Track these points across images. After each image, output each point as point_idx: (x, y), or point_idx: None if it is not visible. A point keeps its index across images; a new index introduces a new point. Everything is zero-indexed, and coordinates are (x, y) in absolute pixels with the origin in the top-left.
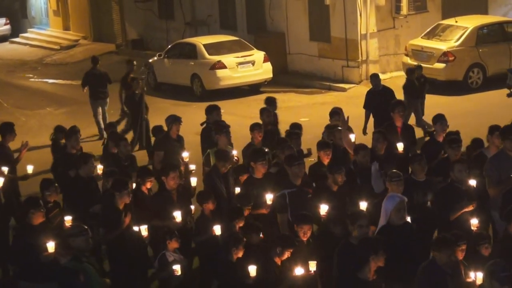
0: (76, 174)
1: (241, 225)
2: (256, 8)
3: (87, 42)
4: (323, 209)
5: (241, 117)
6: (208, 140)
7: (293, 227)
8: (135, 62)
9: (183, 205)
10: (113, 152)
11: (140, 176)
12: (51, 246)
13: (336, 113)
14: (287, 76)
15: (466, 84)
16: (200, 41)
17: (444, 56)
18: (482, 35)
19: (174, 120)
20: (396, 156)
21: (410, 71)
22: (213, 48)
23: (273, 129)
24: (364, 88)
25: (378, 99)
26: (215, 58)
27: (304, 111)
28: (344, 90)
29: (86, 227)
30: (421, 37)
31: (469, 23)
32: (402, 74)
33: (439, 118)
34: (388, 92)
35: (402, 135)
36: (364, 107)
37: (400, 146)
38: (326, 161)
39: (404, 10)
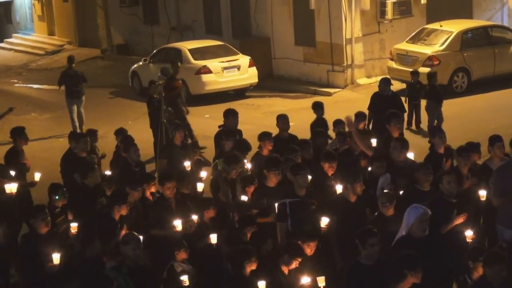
0: (83, 182)
1: (252, 231)
2: (241, 12)
3: (72, 47)
4: (324, 221)
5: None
6: (219, 144)
7: (292, 238)
8: (179, 64)
9: (183, 213)
10: (123, 157)
11: (144, 181)
12: (56, 257)
13: (340, 122)
14: (273, 81)
15: (451, 88)
16: (185, 46)
17: (429, 60)
18: (466, 39)
19: (177, 127)
20: (411, 169)
21: (431, 76)
22: (198, 53)
23: (290, 136)
24: (349, 93)
25: (384, 104)
26: (201, 63)
27: (290, 116)
28: (329, 94)
29: (139, 236)
30: (406, 42)
31: (453, 27)
32: None
33: (437, 131)
34: (397, 100)
35: None
36: (369, 109)
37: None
38: (330, 173)
39: (389, 14)
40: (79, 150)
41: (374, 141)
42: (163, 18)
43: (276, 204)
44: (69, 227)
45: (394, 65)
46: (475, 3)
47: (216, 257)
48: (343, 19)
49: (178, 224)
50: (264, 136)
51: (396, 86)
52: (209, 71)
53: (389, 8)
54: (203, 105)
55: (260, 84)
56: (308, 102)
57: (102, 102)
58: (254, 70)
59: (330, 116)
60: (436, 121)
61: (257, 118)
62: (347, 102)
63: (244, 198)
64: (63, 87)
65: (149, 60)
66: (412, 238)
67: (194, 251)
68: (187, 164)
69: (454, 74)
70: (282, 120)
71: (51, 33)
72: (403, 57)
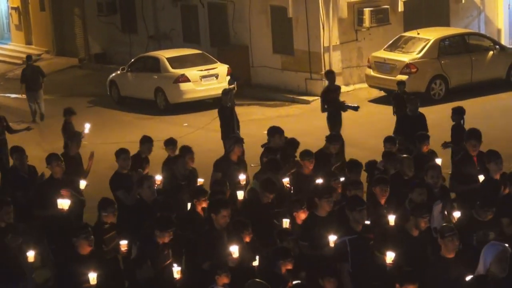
0: (139, 197)
1: (288, 267)
2: (219, 21)
3: (50, 56)
4: (390, 256)
5: (205, 130)
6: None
7: (355, 278)
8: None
9: (236, 241)
10: (172, 168)
11: (195, 196)
12: (92, 277)
13: (391, 140)
14: (251, 89)
15: (428, 96)
16: (164, 54)
17: (407, 68)
18: (444, 47)
19: (236, 141)
20: (470, 195)
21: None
22: (176, 62)
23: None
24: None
25: (414, 125)
26: (179, 71)
27: (268, 124)
28: (307, 102)
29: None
30: (384, 49)
31: (431, 35)
32: (365, 86)
33: (494, 156)
34: (424, 119)
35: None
36: (395, 133)
37: (481, 178)
38: (383, 200)
39: (367, 22)
40: (120, 167)
41: (439, 161)
42: (141, 27)
43: (336, 243)
44: (118, 244)
45: (372, 73)
46: (452, 11)
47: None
48: (321, 27)
49: (234, 250)
50: (305, 155)
51: (374, 94)
52: (187, 80)
53: (366, 16)
54: (181, 114)
55: (238, 92)
56: (286, 110)
57: (80, 111)
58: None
59: (308, 124)
60: None
61: None
62: None
63: (285, 220)
64: (24, 85)
65: (127, 69)
66: (491, 279)
67: (233, 275)
68: (243, 177)
69: (432, 82)
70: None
71: (28, 42)
72: (380, 65)
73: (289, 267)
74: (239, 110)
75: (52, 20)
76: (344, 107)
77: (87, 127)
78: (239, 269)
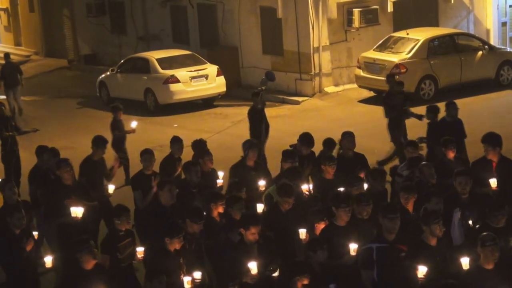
0: (156, 199)
1: (305, 283)
2: (208, 22)
3: (39, 57)
4: (422, 271)
5: (194, 131)
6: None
7: None
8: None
9: (264, 257)
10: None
11: (211, 200)
12: None
13: (412, 144)
14: (241, 90)
15: (418, 96)
16: (153, 55)
17: (396, 68)
18: (433, 47)
19: (251, 146)
20: (482, 200)
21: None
22: (166, 63)
23: (355, 155)
24: (317, 101)
25: (450, 131)
26: (168, 72)
27: None
28: (297, 103)
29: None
30: (373, 50)
31: (420, 35)
32: (355, 86)
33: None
34: (462, 125)
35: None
36: (428, 138)
37: (493, 182)
38: (411, 207)
39: (356, 23)
40: (144, 168)
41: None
42: (130, 28)
43: (361, 249)
44: (135, 251)
45: (361, 73)
46: (441, 11)
47: None
48: (311, 28)
49: (253, 267)
50: (326, 160)
51: (364, 94)
52: (177, 81)
53: (356, 17)
54: (171, 115)
55: (228, 93)
56: (276, 111)
57: (69, 113)
58: (222, 79)
59: (298, 124)
60: None
61: (225, 127)
62: (315, 110)
63: (302, 231)
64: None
65: (116, 70)
66: None
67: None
68: (262, 183)
69: (421, 82)
70: (348, 138)
71: (17, 43)
72: (370, 65)
73: (306, 282)
74: (228, 111)
75: (41, 21)
76: (408, 114)
77: (134, 124)
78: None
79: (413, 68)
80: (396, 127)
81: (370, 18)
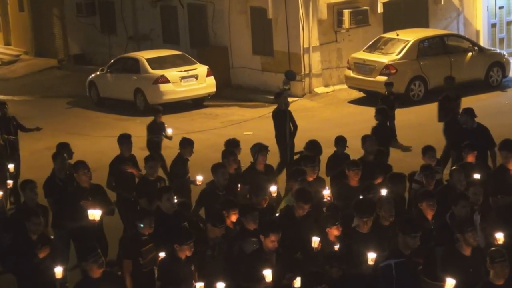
0: (157, 207)
1: None
2: (198, 22)
3: (29, 57)
4: (450, 284)
5: (184, 131)
6: None
7: None
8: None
9: (282, 266)
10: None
11: (223, 208)
12: None
13: (430, 149)
14: (231, 90)
15: (408, 97)
16: (143, 55)
17: (386, 69)
18: (423, 48)
19: (260, 149)
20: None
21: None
22: (156, 63)
23: (376, 160)
24: (307, 102)
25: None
26: (158, 72)
27: (248, 125)
28: None
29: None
30: (363, 51)
31: (410, 36)
32: (344, 87)
33: None
34: (484, 133)
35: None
36: (453, 147)
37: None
38: (430, 215)
39: (346, 23)
40: (149, 175)
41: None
42: (120, 28)
43: (380, 266)
44: (157, 256)
45: (351, 74)
46: (431, 12)
47: None
48: (301, 28)
49: (268, 274)
50: (350, 165)
51: (354, 95)
52: (167, 81)
53: (346, 17)
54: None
55: (218, 93)
56: (266, 111)
57: (59, 112)
58: (212, 80)
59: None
60: None
61: (215, 127)
62: (305, 111)
63: (315, 239)
64: None
65: (106, 69)
66: None
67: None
68: (274, 189)
69: (411, 83)
70: (369, 141)
71: (7, 43)
72: (360, 66)
73: None
74: (218, 111)
75: (31, 20)
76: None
77: (170, 131)
78: None
79: (403, 69)
80: (450, 133)
81: (360, 19)
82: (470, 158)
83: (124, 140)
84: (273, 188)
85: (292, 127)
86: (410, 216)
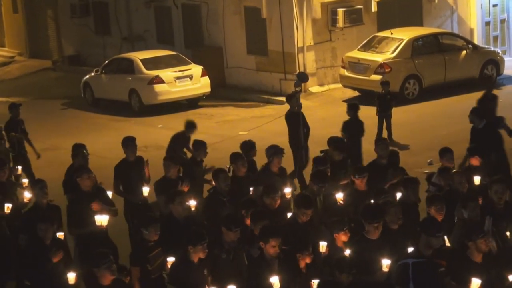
0: (170, 212)
1: None
2: (193, 22)
3: (23, 58)
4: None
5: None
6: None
7: None
8: None
9: (286, 272)
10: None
11: (242, 207)
12: None
13: (448, 151)
14: (225, 90)
15: (402, 96)
16: (137, 56)
17: (380, 68)
18: (417, 47)
19: (276, 152)
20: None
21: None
22: (150, 63)
23: (388, 163)
24: (302, 101)
25: (478, 139)
26: (153, 73)
27: (243, 125)
28: (282, 103)
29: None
30: (358, 49)
31: (404, 35)
32: (339, 86)
33: None
34: (492, 132)
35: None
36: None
37: None
38: (439, 219)
39: (340, 23)
40: (169, 174)
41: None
42: (114, 29)
43: (393, 263)
44: (165, 262)
45: (346, 73)
46: (425, 10)
47: None
48: (295, 27)
49: (275, 281)
50: (355, 172)
51: (349, 94)
52: (162, 81)
53: (340, 17)
54: (156, 115)
55: (213, 93)
56: (261, 111)
57: (54, 114)
58: (206, 80)
59: (283, 124)
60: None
61: (210, 127)
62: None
63: (322, 244)
64: None
65: (101, 70)
66: None
67: None
68: (288, 190)
69: (406, 81)
70: (381, 145)
71: (1, 44)
72: (354, 65)
73: None
74: (213, 111)
75: (25, 22)
76: (501, 124)
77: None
78: None
79: (397, 67)
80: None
81: (354, 18)
82: (474, 162)
83: (129, 143)
84: (287, 190)
85: (305, 129)
86: (430, 216)
